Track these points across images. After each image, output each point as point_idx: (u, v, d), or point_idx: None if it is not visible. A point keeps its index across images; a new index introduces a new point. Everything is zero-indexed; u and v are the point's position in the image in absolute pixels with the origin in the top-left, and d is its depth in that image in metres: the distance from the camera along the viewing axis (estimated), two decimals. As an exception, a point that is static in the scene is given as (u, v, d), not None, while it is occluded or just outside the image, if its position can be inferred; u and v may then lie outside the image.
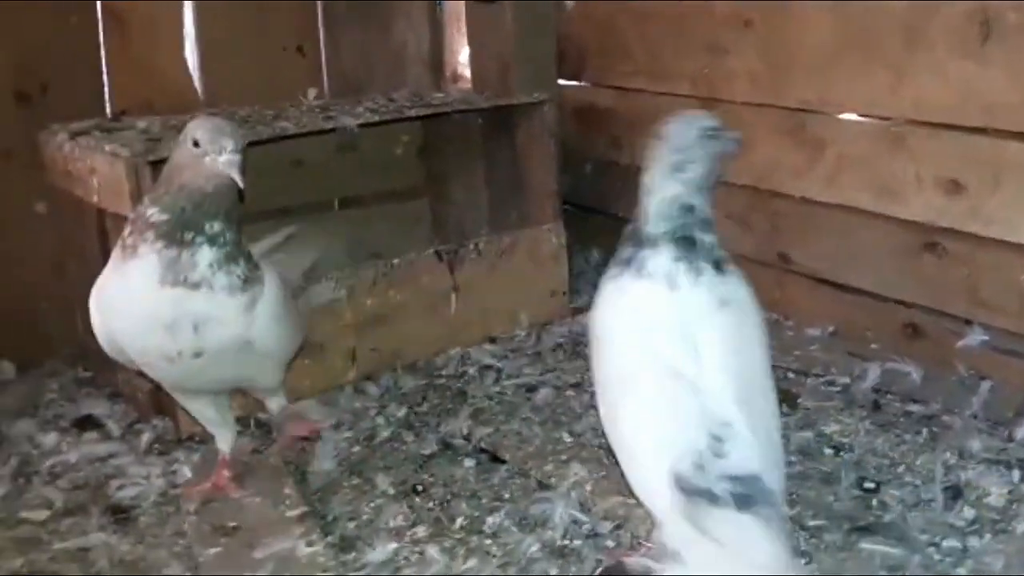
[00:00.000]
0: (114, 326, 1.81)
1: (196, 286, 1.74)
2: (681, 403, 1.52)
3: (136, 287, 1.74)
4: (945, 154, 2.14)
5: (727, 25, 2.54)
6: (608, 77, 2.96)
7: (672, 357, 1.54)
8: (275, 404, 2.10)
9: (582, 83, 3.08)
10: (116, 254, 1.80)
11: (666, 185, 1.63)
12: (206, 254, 1.74)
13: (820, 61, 2.33)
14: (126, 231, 1.78)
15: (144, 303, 1.75)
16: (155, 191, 1.79)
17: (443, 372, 2.54)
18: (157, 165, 2.17)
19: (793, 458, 2.02)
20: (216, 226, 1.74)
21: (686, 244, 1.61)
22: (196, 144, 1.70)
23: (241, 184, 1.70)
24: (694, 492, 1.45)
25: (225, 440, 2.05)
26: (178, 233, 1.72)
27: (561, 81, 3.10)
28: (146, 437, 2.27)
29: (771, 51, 2.45)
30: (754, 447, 1.47)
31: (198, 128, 1.71)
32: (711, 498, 1.43)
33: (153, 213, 1.74)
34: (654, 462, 1.51)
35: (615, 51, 2.89)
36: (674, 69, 2.72)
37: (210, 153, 1.68)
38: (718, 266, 1.62)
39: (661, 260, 1.60)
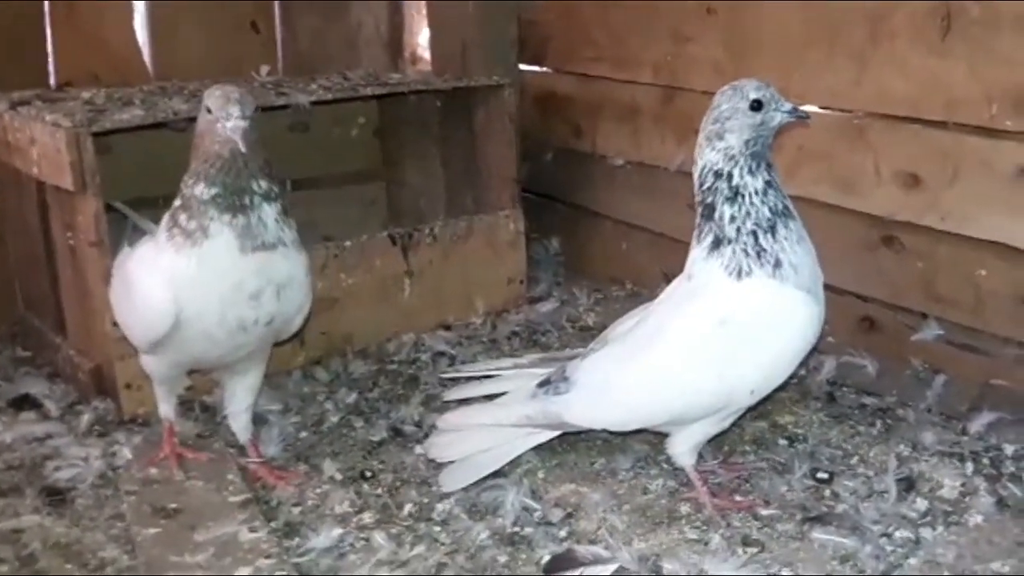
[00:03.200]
0: (191, 306, 1.79)
1: (273, 246, 1.79)
2: None
3: (220, 263, 1.77)
4: (904, 147, 2.14)
5: (691, 13, 2.52)
6: (570, 63, 2.93)
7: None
8: (250, 393, 2.03)
9: (544, 69, 3.04)
10: (176, 243, 1.78)
11: (704, 153, 1.73)
12: (268, 211, 1.79)
13: (783, 51, 2.32)
14: (182, 218, 1.78)
15: (231, 276, 1.78)
16: (191, 167, 1.80)
17: (395, 358, 2.49)
18: (99, 136, 2.12)
19: (747, 447, 2.01)
20: (263, 183, 1.79)
21: (705, 213, 1.74)
22: (209, 111, 1.76)
23: (243, 149, 1.72)
24: None
25: (172, 407, 2.04)
26: (235, 200, 1.76)
27: (522, 66, 3.06)
28: (86, 418, 2.19)
29: (734, 40, 2.43)
30: (589, 366, 1.87)
31: (210, 95, 1.76)
32: None
33: (202, 191, 1.76)
34: None
35: (578, 37, 2.86)
36: (637, 56, 2.70)
37: (220, 119, 1.73)
38: (716, 245, 1.71)
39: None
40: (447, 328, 2.62)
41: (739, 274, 1.70)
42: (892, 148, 2.16)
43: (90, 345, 2.28)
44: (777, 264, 1.69)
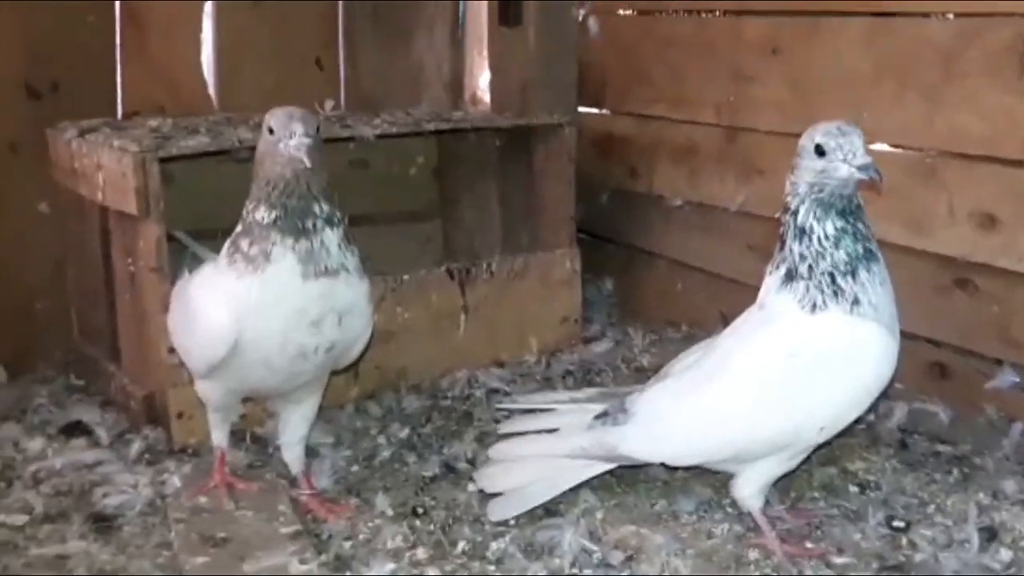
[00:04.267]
0: (252, 332, 1.76)
1: (335, 273, 1.76)
2: None
3: (282, 289, 1.74)
4: (980, 187, 2.08)
5: (754, 52, 2.50)
6: (628, 104, 2.91)
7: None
8: (305, 423, 1.99)
9: (602, 110, 3.03)
10: (237, 268, 1.76)
11: (787, 186, 1.70)
12: (331, 236, 1.76)
13: (850, 89, 2.28)
14: (243, 243, 1.76)
15: (293, 302, 1.75)
16: (252, 192, 1.79)
17: (449, 394, 2.45)
18: (164, 164, 2.13)
19: (816, 494, 1.93)
20: (325, 206, 1.76)
21: (780, 242, 1.71)
22: (271, 132, 1.73)
23: (308, 165, 1.69)
24: None
25: (225, 436, 2.01)
26: (298, 224, 1.73)
27: (581, 108, 3.05)
28: (136, 446, 2.17)
29: (799, 79, 2.40)
30: (648, 398, 1.83)
31: (272, 116, 1.74)
32: None
33: (263, 215, 1.74)
34: None
35: (636, 77, 2.85)
36: (697, 96, 2.67)
37: (283, 139, 1.71)
38: (789, 277, 1.67)
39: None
40: (501, 365, 2.58)
41: (813, 308, 1.65)
42: (967, 188, 2.10)
43: (144, 373, 2.27)
44: (855, 302, 1.64)
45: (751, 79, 2.52)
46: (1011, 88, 1.99)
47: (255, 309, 1.76)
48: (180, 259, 2.15)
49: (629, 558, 1.74)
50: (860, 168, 1.62)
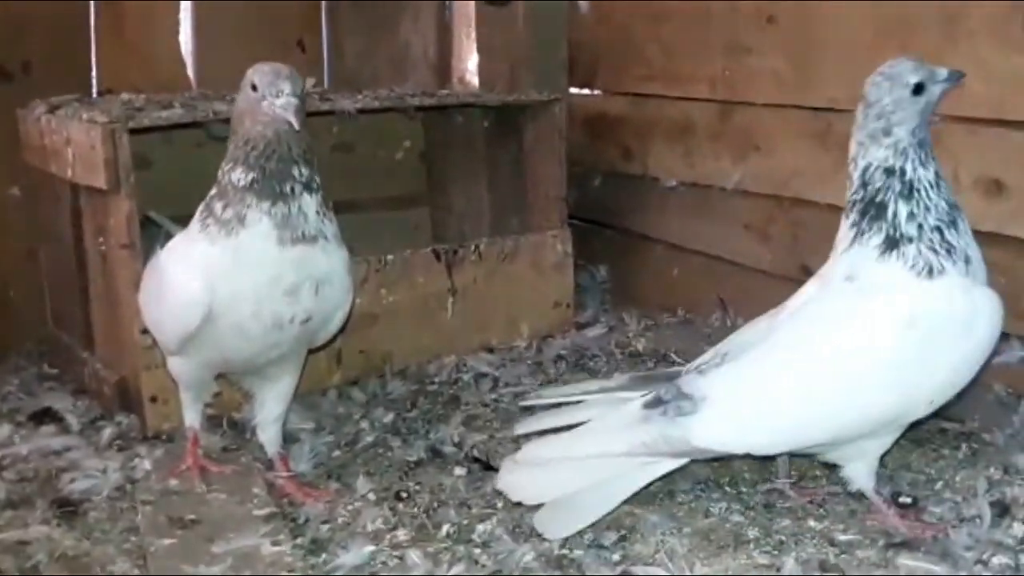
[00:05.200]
0: (225, 298, 1.68)
1: (313, 239, 1.68)
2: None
3: (256, 255, 1.66)
4: (986, 152, 1.99)
5: (749, 23, 2.42)
6: (621, 83, 2.83)
7: None
8: (281, 402, 1.90)
9: (594, 91, 2.95)
10: (209, 232, 1.69)
11: (869, 152, 1.59)
12: (310, 202, 1.68)
13: (850, 56, 2.19)
14: (217, 206, 1.68)
15: (268, 269, 1.67)
16: (229, 152, 1.71)
17: (435, 379, 2.36)
18: (137, 134, 2.05)
19: (818, 472, 1.83)
20: (304, 170, 1.68)
21: (874, 213, 1.58)
22: (254, 88, 1.65)
23: (296, 126, 1.62)
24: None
25: (198, 416, 1.93)
26: (275, 187, 1.65)
27: (572, 90, 2.97)
28: (108, 432, 2.10)
29: (797, 48, 2.32)
30: (723, 381, 1.63)
31: (256, 72, 1.66)
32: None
33: (239, 177, 1.67)
34: None
35: (629, 55, 2.77)
36: (691, 72, 2.59)
37: (267, 96, 1.62)
38: (892, 245, 1.56)
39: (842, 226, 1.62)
40: (490, 351, 2.49)
41: (930, 272, 1.55)
42: (973, 153, 2.01)
43: (117, 356, 2.18)
44: (967, 260, 1.56)
45: (747, 50, 2.44)
46: (1017, 47, 1.90)
47: (228, 275, 1.68)
48: (154, 241, 2.07)
49: (622, 538, 1.65)
50: (948, 78, 1.60)
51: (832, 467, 1.83)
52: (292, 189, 1.66)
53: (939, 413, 1.99)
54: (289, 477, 1.87)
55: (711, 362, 1.71)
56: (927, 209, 1.57)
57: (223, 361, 1.82)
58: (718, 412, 1.60)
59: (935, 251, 1.56)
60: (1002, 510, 1.63)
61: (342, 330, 1.92)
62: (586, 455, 1.65)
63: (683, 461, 1.65)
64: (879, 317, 1.56)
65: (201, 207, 1.73)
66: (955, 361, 1.56)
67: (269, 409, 1.88)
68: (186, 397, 1.90)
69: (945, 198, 1.58)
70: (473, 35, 2.96)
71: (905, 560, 1.52)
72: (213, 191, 1.71)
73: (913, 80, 1.56)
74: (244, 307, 1.69)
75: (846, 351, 1.56)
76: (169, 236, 2.03)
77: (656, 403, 1.64)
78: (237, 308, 1.69)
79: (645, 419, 1.63)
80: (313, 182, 1.70)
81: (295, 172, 1.67)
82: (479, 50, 2.94)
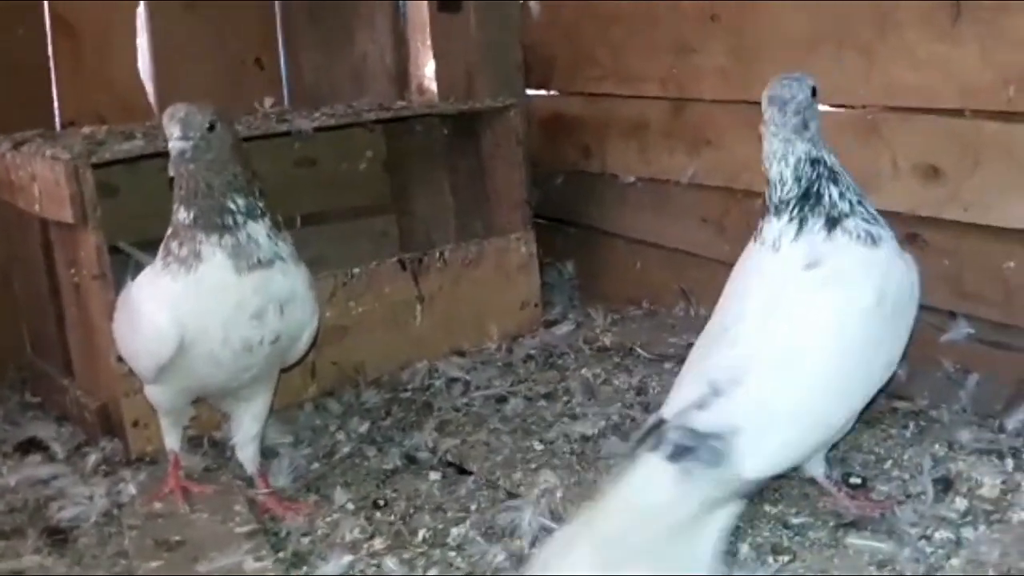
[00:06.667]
0: (193, 331, 1.75)
1: (269, 263, 1.75)
2: (697, 353, 1.66)
3: (217, 286, 1.73)
4: (921, 139, 2.06)
5: (693, 22, 2.48)
6: (575, 84, 2.89)
7: (725, 310, 1.69)
8: (257, 422, 1.96)
9: (550, 92, 3.01)
10: (171, 269, 1.75)
11: (796, 147, 1.67)
12: (257, 228, 1.74)
13: (789, 52, 2.26)
14: (173, 245, 1.75)
15: (230, 297, 1.73)
16: (174, 194, 1.77)
17: (408, 386, 2.43)
18: (106, 177, 2.10)
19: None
20: (240, 201, 1.74)
21: (811, 202, 1.67)
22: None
23: (170, 172, 1.68)
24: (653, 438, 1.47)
25: (177, 440, 1.98)
26: (217, 220, 1.71)
27: (529, 91, 3.03)
28: (92, 459, 2.15)
29: (739, 46, 2.38)
30: (745, 407, 1.50)
31: (164, 115, 1.71)
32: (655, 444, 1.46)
33: (184, 216, 1.73)
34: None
35: (581, 57, 2.83)
36: (642, 71, 2.66)
37: (169, 139, 1.69)
38: (833, 224, 1.65)
39: (775, 225, 1.68)
40: (461, 354, 2.55)
41: (874, 241, 1.65)
42: (908, 141, 2.08)
43: (96, 383, 2.24)
44: (887, 225, 1.69)
45: (693, 50, 2.50)
46: (945, 37, 1.97)
47: (194, 308, 1.74)
48: (125, 269, 2.12)
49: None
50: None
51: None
52: (234, 220, 1.73)
53: (891, 392, 2.10)
54: (270, 493, 1.94)
55: (707, 396, 1.53)
56: (847, 187, 1.68)
57: (199, 387, 1.89)
58: (756, 441, 1.48)
59: (868, 221, 1.67)
60: (946, 485, 1.72)
61: (311, 348, 1.98)
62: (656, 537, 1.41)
63: (734, 507, 1.49)
64: (852, 308, 1.62)
65: (161, 247, 1.79)
66: (912, 317, 1.70)
67: (246, 429, 1.95)
68: (165, 422, 1.96)
69: (851, 176, 1.71)
70: (429, 42, 3.02)
71: (853, 540, 1.60)
72: (169, 231, 1.78)
73: (811, 83, 1.69)
74: (214, 336, 1.75)
75: (837, 351, 1.60)
76: (140, 265, 2.09)
77: (683, 452, 1.44)
78: (207, 338, 1.75)
79: (686, 473, 1.43)
80: (256, 209, 1.75)
81: (230, 205, 1.73)
82: (435, 56, 2.99)
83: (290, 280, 1.79)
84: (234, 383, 1.87)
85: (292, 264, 1.80)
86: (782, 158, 1.67)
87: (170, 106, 1.72)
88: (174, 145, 1.67)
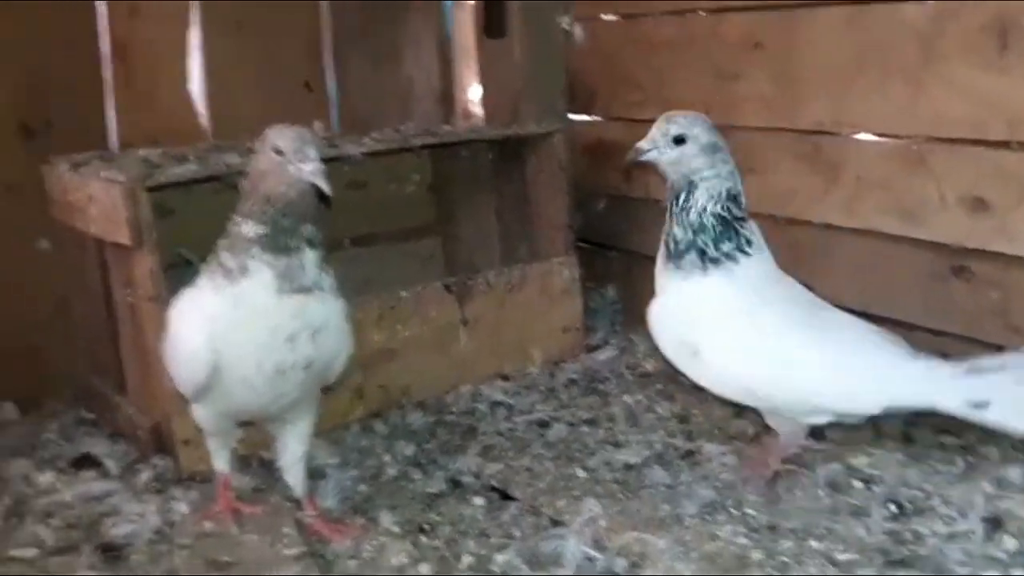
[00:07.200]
0: (228, 350, 1.78)
1: (309, 290, 1.77)
2: None
3: (256, 303, 1.75)
4: (968, 171, 2.06)
5: (736, 49, 2.49)
6: (617, 109, 2.91)
7: None
8: (302, 443, 2.00)
9: (593, 117, 3.03)
10: (215, 279, 1.78)
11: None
12: (310, 257, 1.77)
13: (833, 80, 2.27)
14: (225, 255, 1.77)
15: (267, 317, 1.76)
16: (241, 205, 1.79)
17: (453, 409, 2.45)
18: (155, 191, 2.15)
19: (821, 492, 1.91)
20: (311, 229, 1.78)
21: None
22: (279, 152, 1.73)
23: (328, 191, 1.72)
24: None
25: (226, 461, 2.01)
26: (282, 241, 1.75)
27: (572, 117, 3.05)
28: (145, 476, 2.19)
29: (782, 73, 2.39)
30: None
31: (279, 136, 1.74)
32: None
33: (249, 230, 1.76)
34: None
35: (623, 82, 2.84)
36: (683, 97, 2.66)
37: (293, 161, 1.71)
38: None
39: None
40: (504, 378, 2.58)
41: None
42: (955, 173, 2.08)
43: (149, 402, 2.28)
44: None
45: (735, 76, 2.51)
46: (992, 68, 1.97)
47: (229, 325, 1.76)
48: (185, 277, 2.16)
49: (633, 564, 1.73)
50: None
51: (834, 487, 1.92)
52: (298, 245, 1.76)
53: (938, 427, 2.08)
54: (318, 516, 1.97)
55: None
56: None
57: (238, 410, 1.92)
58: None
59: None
60: (995, 524, 1.71)
61: (350, 371, 2.00)
62: None
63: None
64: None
65: (210, 256, 1.82)
66: None
67: (292, 451, 1.98)
68: (212, 443, 1.99)
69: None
70: (474, 67, 3.06)
71: (900, 577, 1.60)
72: (223, 240, 1.80)
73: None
74: (247, 358, 1.77)
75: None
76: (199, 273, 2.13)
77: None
78: (241, 360, 1.77)
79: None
80: (316, 238, 1.79)
81: (303, 230, 1.76)
82: (481, 81, 3.03)
83: (326, 309, 1.80)
84: (273, 408, 1.90)
85: (331, 295, 1.81)
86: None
87: (282, 127, 1.75)
88: (317, 167, 1.70)
